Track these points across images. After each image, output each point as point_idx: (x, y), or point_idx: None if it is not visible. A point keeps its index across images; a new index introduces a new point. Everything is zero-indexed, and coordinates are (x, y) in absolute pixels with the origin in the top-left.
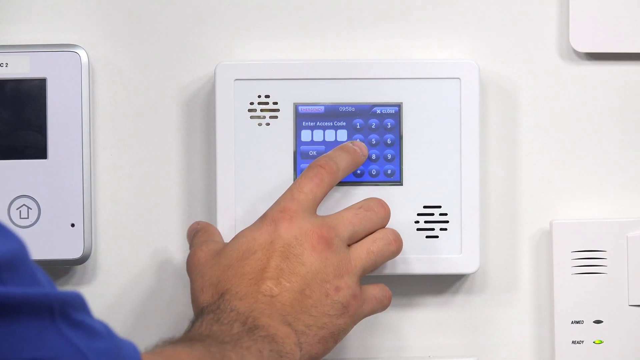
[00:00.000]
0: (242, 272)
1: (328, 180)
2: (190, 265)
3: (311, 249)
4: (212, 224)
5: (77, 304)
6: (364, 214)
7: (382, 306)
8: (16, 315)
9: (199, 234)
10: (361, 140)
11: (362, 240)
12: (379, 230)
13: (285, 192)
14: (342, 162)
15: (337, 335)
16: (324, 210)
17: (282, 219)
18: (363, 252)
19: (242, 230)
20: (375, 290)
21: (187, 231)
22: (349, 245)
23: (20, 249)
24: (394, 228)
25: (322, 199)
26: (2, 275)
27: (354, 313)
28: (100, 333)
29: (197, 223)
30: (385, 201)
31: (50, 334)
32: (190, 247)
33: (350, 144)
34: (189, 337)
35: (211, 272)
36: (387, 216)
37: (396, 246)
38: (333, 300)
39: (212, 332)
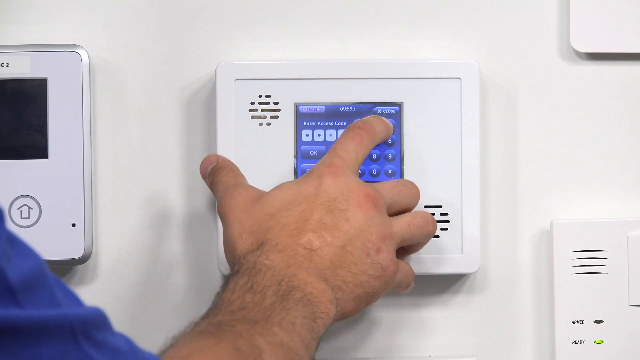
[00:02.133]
0: (284, 223)
1: (368, 141)
2: (228, 207)
3: (357, 205)
4: (231, 162)
5: (99, 322)
6: (400, 187)
7: (408, 281)
8: (37, 339)
9: (226, 173)
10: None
11: (403, 214)
12: (418, 210)
13: (329, 152)
14: (378, 127)
15: (370, 297)
16: None
17: (328, 173)
18: (404, 222)
19: (287, 182)
20: (406, 265)
21: (202, 165)
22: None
23: (38, 266)
24: None
25: (363, 160)
26: (20, 297)
27: (390, 278)
28: (122, 350)
29: (216, 157)
30: None
31: (74, 356)
32: (217, 186)
33: (380, 117)
34: (216, 322)
35: (251, 219)
36: (418, 196)
37: (433, 226)
38: (373, 260)
39: (244, 304)
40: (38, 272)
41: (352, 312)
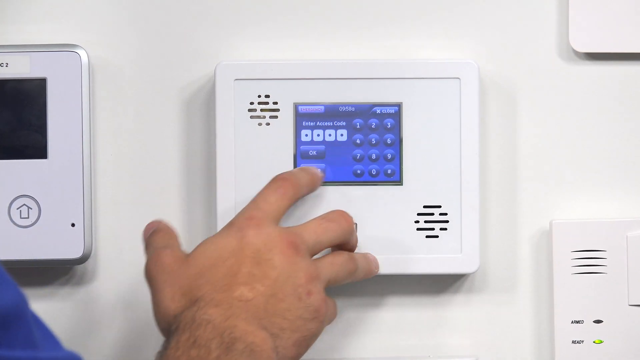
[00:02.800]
0: (214, 280)
1: (291, 194)
2: (155, 271)
3: (280, 253)
4: (171, 227)
5: None
6: (327, 224)
7: (334, 316)
8: None
9: (159, 235)
10: (361, 140)
11: (324, 256)
12: (336, 251)
13: (249, 203)
14: (303, 180)
15: (309, 340)
16: (322, 208)
17: (248, 226)
18: (327, 263)
19: (208, 238)
20: (332, 301)
21: (144, 229)
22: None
23: (19, 302)
24: (394, 228)
25: (285, 212)
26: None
27: (323, 318)
28: None
29: (157, 223)
30: (385, 201)
31: None
32: (148, 249)
33: (308, 167)
34: None
35: (180, 280)
36: (349, 228)
37: (353, 265)
38: (306, 304)
39: (190, 359)
40: (17, 308)
41: (294, 358)
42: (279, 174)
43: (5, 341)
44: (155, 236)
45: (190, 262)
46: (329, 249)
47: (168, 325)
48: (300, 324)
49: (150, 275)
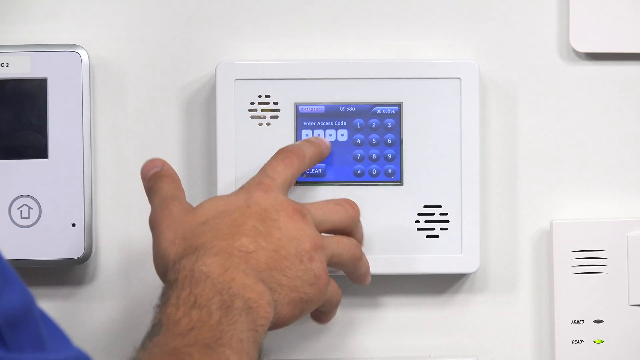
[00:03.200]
0: (217, 228)
1: (297, 164)
2: (161, 217)
3: (287, 217)
4: (174, 171)
5: None
6: (334, 206)
7: (339, 297)
8: None
9: (166, 183)
10: (361, 140)
11: (331, 234)
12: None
13: (258, 172)
14: (309, 151)
15: (305, 304)
16: None
17: (258, 189)
18: (333, 239)
19: (218, 195)
20: (335, 283)
21: (145, 166)
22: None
23: (26, 301)
24: (395, 227)
25: (292, 182)
26: (5, 335)
27: (322, 288)
28: None
29: (160, 162)
30: (385, 201)
31: None
32: (154, 195)
33: (314, 138)
34: (170, 350)
35: (184, 226)
36: (355, 214)
37: (359, 251)
38: (307, 267)
39: (192, 324)
40: (25, 307)
41: (287, 317)
42: (285, 146)
43: (15, 343)
44: (162, 183)
45: (196, 212)
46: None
47: (165, 270)
48: (299, 284)
49: (155, 220)
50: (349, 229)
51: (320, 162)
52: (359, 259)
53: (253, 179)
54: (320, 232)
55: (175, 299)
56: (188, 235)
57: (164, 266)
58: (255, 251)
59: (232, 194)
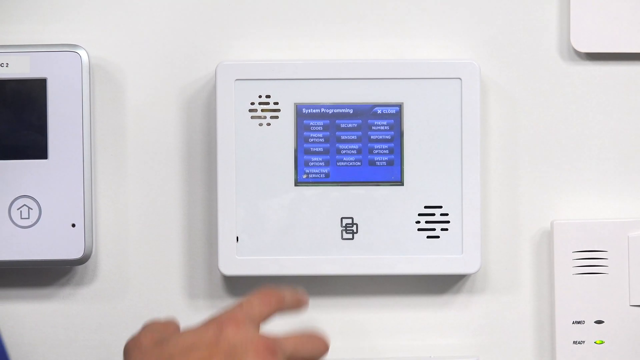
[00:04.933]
0: None
1: (275, 305)
2: (130, 348)
3: (256, 355)
4: (172, 320)
5: None
6: (308, 339)
7: None
8: None
9: (154, 323)
10: (362, 141)
11: None
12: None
13: (234, 305)
14: (288, 297)
15: None
16: (323, 208)
17: (229, 324)
18: None
19: (188, 328)
20: None
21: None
22: None
23: None
24: (395, 228)
25: (267, 320)
26: None
27: None
28: None
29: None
30: (386, 202)
31: None
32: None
33: (295, 290)
34: None
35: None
36: (326, 350)
37: None
38: None
39: None
40: None
41: None
42: (267, 288)
43: None
44: (150, 323)
45: (164, 345)
46: None
47: None
48: None
49: (125, 352)
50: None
51: (296, 312)
52: None
53: (226, 310)
54: None
55: None
56: None
57: None
58: None
59: (203, 326)
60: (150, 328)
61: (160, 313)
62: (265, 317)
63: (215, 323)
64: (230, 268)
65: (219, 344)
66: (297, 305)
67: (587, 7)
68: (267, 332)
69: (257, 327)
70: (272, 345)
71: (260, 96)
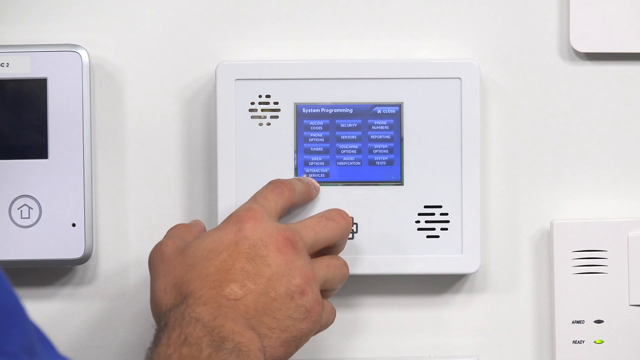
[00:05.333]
0: (206, 273)
1: (288, 195)
2: (154, 260)
3: (277, 250)
4: (198, 223)
5: None
6: (325, 222)
7: (333, 318)
8: None
9: (178, 227)
10: (362, 140)
11: (322, 257)
12: (333, 255)
13: (249, 199)
14: (298, 187)
15: (299, 340)
16: (323, 208)
17: (247, 218)
18: (324, 264)
19: (208, 230)
20: (328, 304)
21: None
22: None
23: (16, 306)
24: (395, 228)
25: (282, 211)
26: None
27: (316, 319)
28: None
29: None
30: (386, 201)
31: None
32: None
33: (305, 178)
34: None
35: (175, 271)
36: (348, 227)
37: (347, 271)
38: (297, 304)
39: (181, 357)
40: (15, 312)
41: (282, 357)
42: (277, 178)
43: (3, 340)
44: (175, 227)
45: (186, 252)
46: None
47: (158, 318)
48: (290, 324)
49: (150, 264)
50: (341, 242)
51: (308, 202)
52: (346, 277)
53: (243, 205)
54: (314, 251)
55: (166, 339)
56: (177, 281)
57: (156, 314)
58: (244, 296)
59: (221, 227)
60: (174, 233)
61: None
62: (282, 208)
63: (232, 220)
64: None
65: (238, 244)
66: (308, 194)
67: (587, 8)
68: (285, 223)
69: (275, 219)
70: (292, 236)
71: (260, 96)
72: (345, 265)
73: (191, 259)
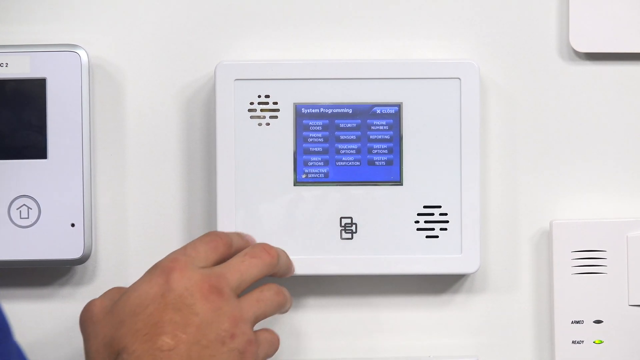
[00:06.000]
0: (135, 329)
1: (222, 250)
2: (83, 320)
3: (203, 298)
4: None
5: None
6: (249, 260)
7: (274, 348)
8: None
9: (110, 289)
10: (361, 140)
11: (251, 292)
12: (265, 284)
13: (178, 249)
14: (236, 242)
15: None
16: (323, 207)
17: (172, 269)
18: (253, 300)
19: (134, 283)
20: (266, 334)
21: None
22: (238, 296)
23: (4, 326)
24: (394, 228)
25: (212, 264)
26: None
27: (251, 358)
28: None
29: None
30: (385, 201)
31: None
32: None
33: (246, 234)
34: None
35: (104, 330)
36: (272, 262)
37: (282, 297)
38: (229, 348)
39: None
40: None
41: None
42: (214, 231)
43: None
44: (110, 289)
45: (114, 310)
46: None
47: None
48: None
49: (80, 325)
50: (271, 274)
51: (266, 274)
52: (284, 304)
53: (169, 256)
54: (241, 291)
55: None
56: (108, 340)
57: None
58: (177, 346)
59: (146, 279)
60: (105, 294)
61: None
62: (211, 261)
63: (158, 271)
64: None
65: (164, 296)
66: (270, 263)
67: (586, 7)
68: (211, 270)
69: (203, 271)
70: (217, 282)
71: (259, 96)
72: (279, 292)
73: (119, 317)
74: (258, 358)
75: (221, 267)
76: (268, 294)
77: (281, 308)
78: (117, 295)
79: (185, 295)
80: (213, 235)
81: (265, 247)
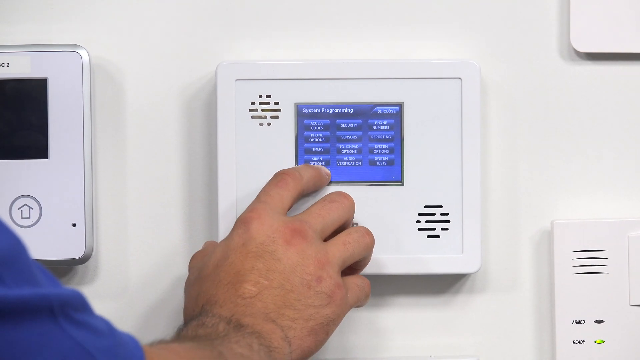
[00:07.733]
0: (218, 279)
1: (293, 185)
2: (185, 288)
3: (285, 243)
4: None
5: (78, 303)
6: (329, 205)
7: (364, 294)
8: (17, 319)
9: (192, 257)
10: (362, 140)
11: (337, 235)
12: (351, 227)
13: (253, 200)
14: (306, 174)
15: (326, 326)
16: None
17: (251, 218)
18: (339, 243)
19: (217, 243)
20: (355, 279)
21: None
22: (323, 241)
23: (15, 243)
24: (395, 228)
25: (291, 202)
26: (2, 273)
27: (340, 302)
28: (102, 331)
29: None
30: (386, 201)
31: (55, 336)
32: None
33: (314, 165)
34: (177, 340)
35: (193, 289)
36: (351, 205)
37: (370, 238)
38: (316, 291)
39: (198, 334)
40: (16, 248)
41: (313, 346)
42: (281, 170)
43: (12, 279)
44: (192, 258)
45: (201, 270)
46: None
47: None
48: (313, 312)
49: (185, 291)
50: (350, 220)
51: (321, 187)
52: (371, 245)
53: (247, 208)
54: (326, 235)
55: (185, 329)
56: (194, 295)
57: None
58: (260, 293)
59: (228, 235)
60: (191, 265)
61: (161, 313)
62: (287, 201)
63: (238, 223)
64: None
65: (245, 246)
66: (318, 179)
67: (587, 7)
68: (292, 215)
69: (283, 213)
70: (300, 226)
71: (260, 96)
72: (367, 233)
73: (204, 273)
74: (348, 303)
75: (303, 214)
76: (355, 235)
77: (369, 249)
78: (204, 254)
79: (267, 242)
80: (280, 174)
81: (342, 192)
